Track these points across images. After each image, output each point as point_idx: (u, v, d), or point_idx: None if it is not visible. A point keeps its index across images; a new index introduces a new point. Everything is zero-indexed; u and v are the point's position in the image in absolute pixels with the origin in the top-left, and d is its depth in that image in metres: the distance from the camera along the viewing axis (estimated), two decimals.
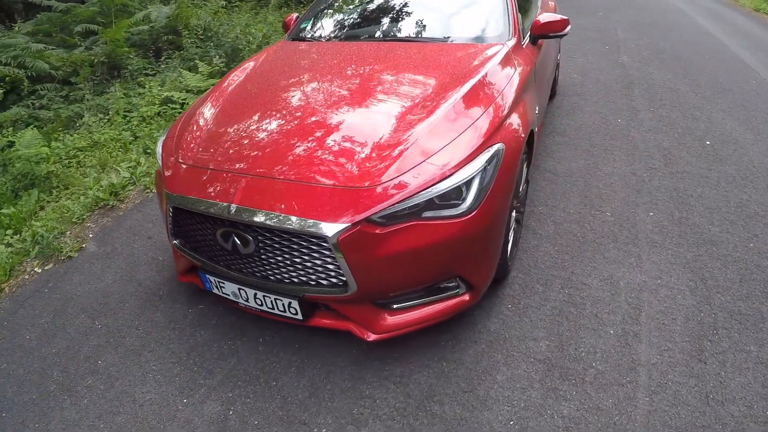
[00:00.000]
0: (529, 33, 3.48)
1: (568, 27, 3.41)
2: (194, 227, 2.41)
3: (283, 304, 2.32)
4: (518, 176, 2.66)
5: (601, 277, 2.97)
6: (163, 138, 2.84)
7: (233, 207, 2.17)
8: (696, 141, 4.58)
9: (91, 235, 3.82)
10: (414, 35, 3.44)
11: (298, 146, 2.38)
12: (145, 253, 3.50)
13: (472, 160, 2.27)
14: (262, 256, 2.25)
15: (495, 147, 2.37)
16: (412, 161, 2.23)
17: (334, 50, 3.41)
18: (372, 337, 2.34)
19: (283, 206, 2.12)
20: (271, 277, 2.29)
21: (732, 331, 2.59)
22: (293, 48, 3.60)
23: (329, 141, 2.39)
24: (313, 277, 2.23)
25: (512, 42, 3.21)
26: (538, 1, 4.69)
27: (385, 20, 3.70)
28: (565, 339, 2.58)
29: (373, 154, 2.27)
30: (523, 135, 2.62)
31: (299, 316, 2.33)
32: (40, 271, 3.47)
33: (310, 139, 2.42)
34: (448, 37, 3.33)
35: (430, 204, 2.17)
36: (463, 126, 2.40)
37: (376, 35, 3.56)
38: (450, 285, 2.39)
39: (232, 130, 2.60)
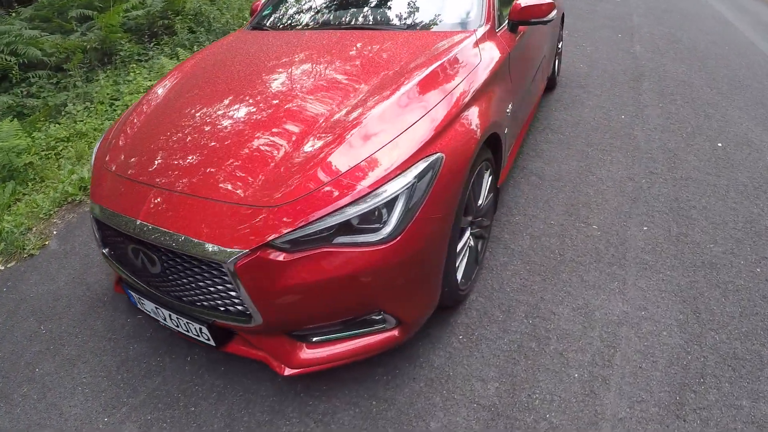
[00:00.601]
0: (507, 18, 2.97)
1: (553, 13, 2.90)
2: (113, 239, 2.17)
3: (195, 329, 2.03)
4: (469, 189, 2.21)
5: (574, 306, 2.50)
6: (101, 140, 2.59)
7: (137, 223, 1.92)
8: (706, 142, 4.03)
9: (55, 232, 3.61)
10: (374, 22, 2.99)
11: (214, 155, 2.02)
12: (99, 254, 3.23)
13: (396, 176, 1.84)
14: (169, 277, 1.97)
15: (431, 158, 1.93)
16: (326, 175, 1.84)
17: (282, 41, 2.98)
18: (288, 371, 1.99)
19: (184, 225, 1.84)
20: (184, 299, 2.01)
21: (722, 380, 2.10)
22: (246, 38, 3.19)
23: (246, 150, 2.02)
24: (220, 303, 1.92)
25: (483, 29, 2.73)
26: None
27: (346, 6, 3.24)
28: (519, 382, 2.13)
29: (286, 166, 1.90)
30: (477, 138, 2.16)
31: (212, 342, 2.04)
32: (2, 268, 3.32)
33: (226, 146, 2.06)
34: (412, 24, 2.86)
35: (344, 228, 1.78)
36: (393, 133, 1.97)
37: (335, 22, 3.11)
38: (376, 318, 1.97)
39: (152, 137, 2.29)
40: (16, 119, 5.36)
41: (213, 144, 2.08)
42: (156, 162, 2.10)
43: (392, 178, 1.83)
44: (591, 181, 3.54)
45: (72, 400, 2.26)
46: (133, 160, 2.19)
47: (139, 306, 2.24)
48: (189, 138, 2.17)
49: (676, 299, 2.51)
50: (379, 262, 1.79)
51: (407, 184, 1.83)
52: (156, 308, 2.11)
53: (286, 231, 1.74)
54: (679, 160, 3.77)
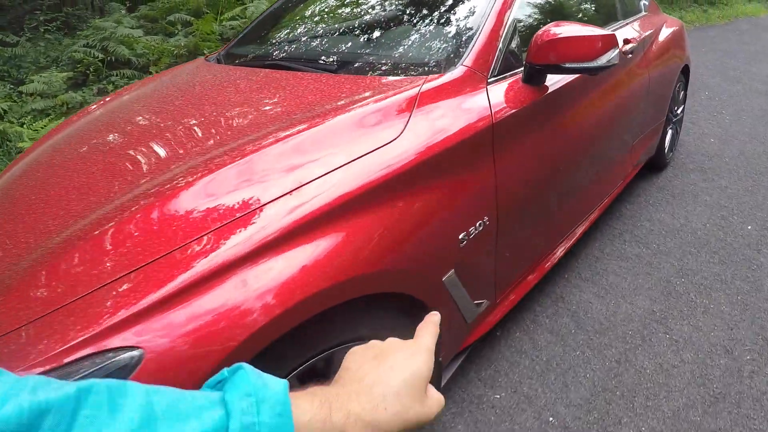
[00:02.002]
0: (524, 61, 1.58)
1: (610, 54, 1.51)
2: None
3: None
4: None
5: None
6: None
7: None
8: None
9: None
10: (319, 62, 1.79)
11: None
12: None
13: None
14: None
15: (113, 359, 0.79)
16: None
17: (191, 86, 1.89)
18: None
19: None
20: None
21: None
22: (184, 71, 2.14)
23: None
24: None
25: (450, 76, 1.40)
26: (633, 20, 2.65)
27: (303, 40, 2.09)
28: None
29: None
30: (268, 318, 0.89)
31: None
32: None
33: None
34: (367, 65, 1.64)
35: None
36: (80, 290, 0.90)
37: (279, 57, 1.98)
38: None
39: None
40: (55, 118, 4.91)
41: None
42: None
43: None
44: (659, 343, 1.98)
45: None
46: None
47: None
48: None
49: None
50: None
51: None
52: None
53: None
54: None
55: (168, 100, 1.71)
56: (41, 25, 6.76)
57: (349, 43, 1.82)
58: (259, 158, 1.10)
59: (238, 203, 1.01)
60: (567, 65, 1.48)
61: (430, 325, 0.56)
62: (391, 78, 1.44)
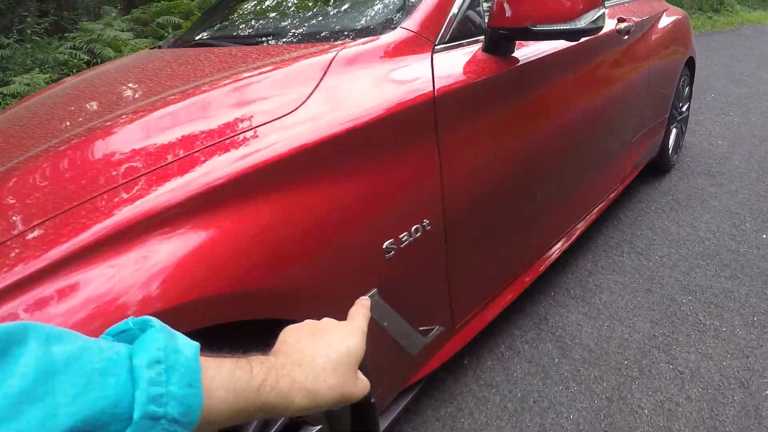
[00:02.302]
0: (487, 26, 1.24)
1: (594, 13, 1.17)
2: None
3: None
4: None
5: None
6: None
7: None
8: None
9: None
10: (260, 34, 1.50)
11: None
12: None
13: None
14: None
15: None
16: None
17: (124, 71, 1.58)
18: None
19: None
20: None
21: None
22: (124, 59, 1.86)
23: None
24: None
25: (381, 42, 1.08)
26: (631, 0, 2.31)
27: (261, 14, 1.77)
28: None
29: None
30: None
31: None
32: None
33: None
34: (293, 37, 1.32)
35: None
36: None
37: (224, 35, 1.67)
38: None
39: None
40: None
41: None
42: None
43: None
44: (660, 376, 1.62)
45: None
46: None
47: None
48: None
49: None
50: None
51: None
52: None
53: None
54: None
55: (86, 82, 1.42)
56: (29, 27, 6.55)
57: (280, 15, 1.49)
58: (118, 136, 0.78)
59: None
60: (538, 28, 1.14)
61: (361, 308, 0.55)
62: (309, 44, 1.11)
